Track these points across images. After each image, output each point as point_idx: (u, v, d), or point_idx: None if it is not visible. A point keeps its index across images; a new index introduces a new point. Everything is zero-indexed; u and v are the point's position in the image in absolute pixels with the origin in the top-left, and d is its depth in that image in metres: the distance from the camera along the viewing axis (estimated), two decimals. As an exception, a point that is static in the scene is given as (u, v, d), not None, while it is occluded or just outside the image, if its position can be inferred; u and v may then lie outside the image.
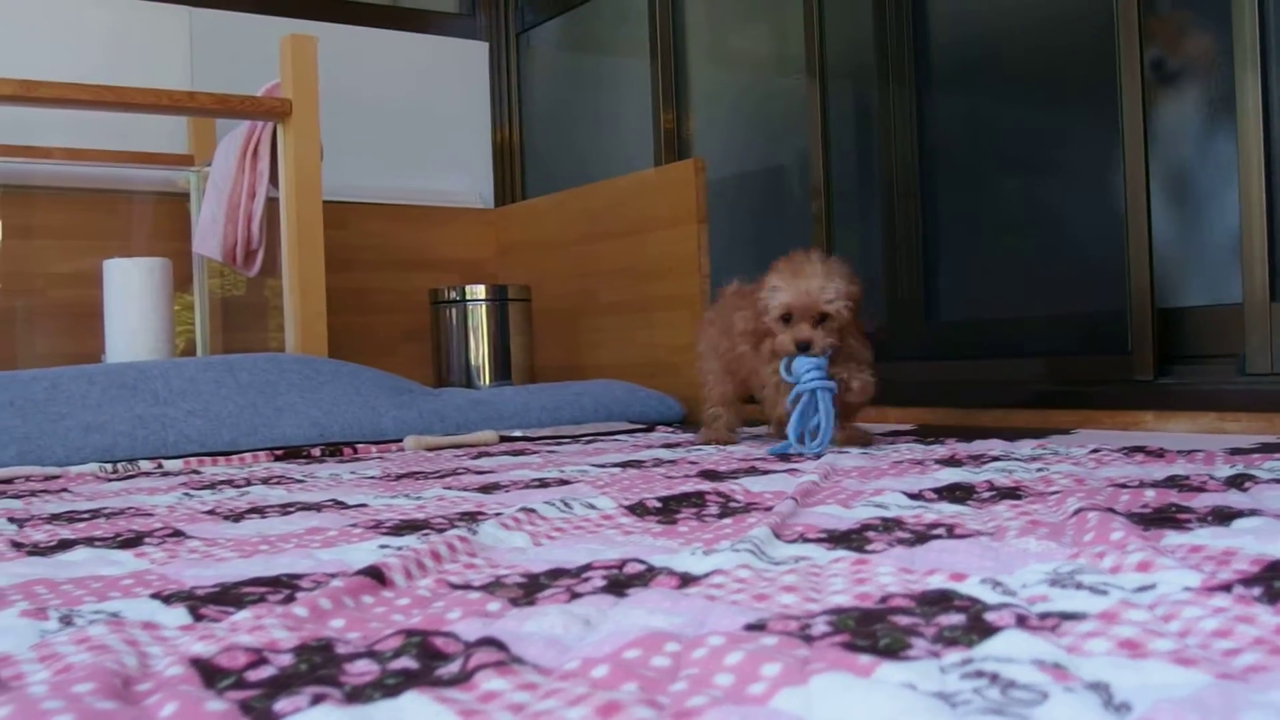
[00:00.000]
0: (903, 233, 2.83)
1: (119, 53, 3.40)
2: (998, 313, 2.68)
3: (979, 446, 1.87)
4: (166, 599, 0.89)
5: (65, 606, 0.88)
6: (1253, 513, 1.07)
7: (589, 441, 2.42)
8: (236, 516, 1.37)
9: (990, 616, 0.72)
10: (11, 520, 1.39)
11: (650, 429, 2.73)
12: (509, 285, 3.33)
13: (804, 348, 1.84)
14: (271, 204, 2.97)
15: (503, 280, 3.82)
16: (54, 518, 1.41)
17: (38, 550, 1.15)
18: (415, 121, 3.93)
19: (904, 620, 0.73)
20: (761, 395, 1.99)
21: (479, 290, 3.29)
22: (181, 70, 3.48)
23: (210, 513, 1.42)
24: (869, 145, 2.96)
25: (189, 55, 3.50)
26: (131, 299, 2.97)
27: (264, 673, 0.67)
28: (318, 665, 0.68)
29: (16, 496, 1.69)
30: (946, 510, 1.21)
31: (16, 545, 1.19)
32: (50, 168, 3.27)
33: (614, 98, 3.78)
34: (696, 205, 2.98)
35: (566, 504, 1.30)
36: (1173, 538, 0.98)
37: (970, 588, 0.81)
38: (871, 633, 0.70)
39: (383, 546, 1.11)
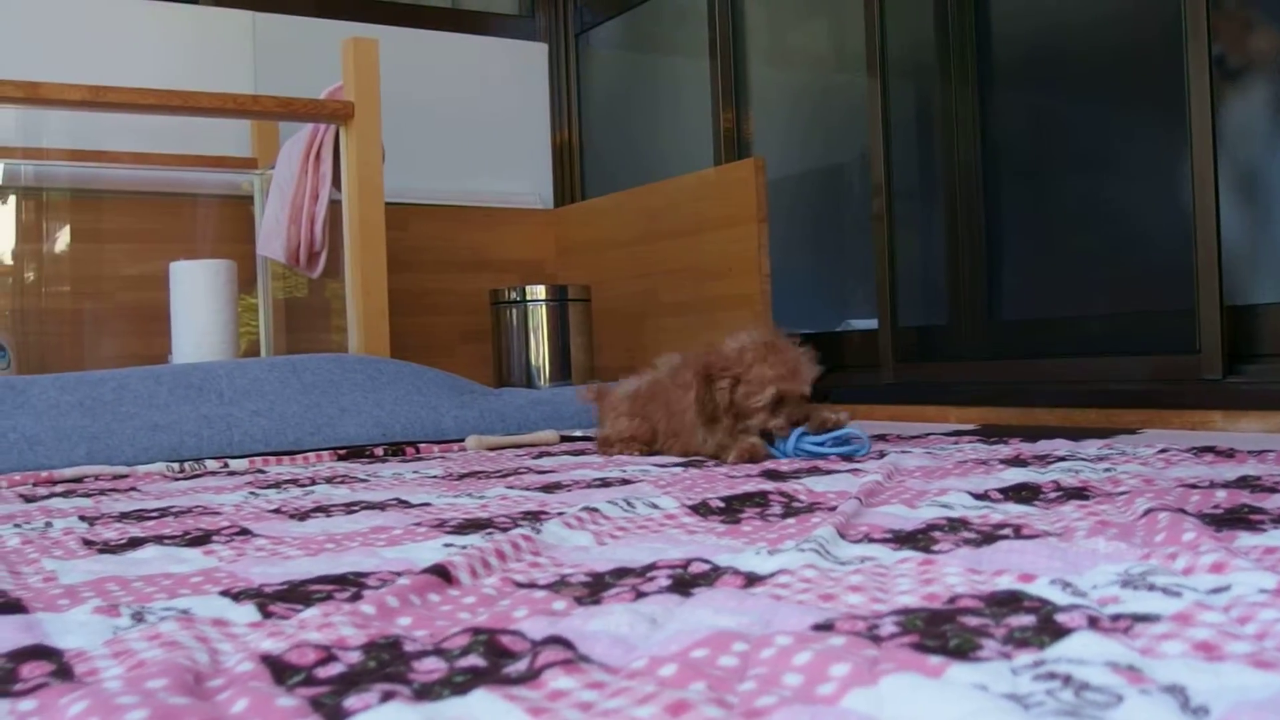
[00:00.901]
0: (965, 231, 2.80)
1: (184, 58, 3.45)
2: (1062, 311, 2.64)
3: (1044, 446, 1.85)
4: (235, 596, 0.90)
5: (137, 603, 0.89)
6: (1329, 514, 1.05)
7: (649, 441, 2.41)
8: (302, 515, 1.39)
9: (1061, 618, 0.71)
10: (83, 518, 1.42)
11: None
12: (569, 285, 3.34)
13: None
14: (334, 206, 3.01)
15: (563, 280, 3.83)
16: (123, 516, 1.43)
17: (108, 548, 1.17)
18: (475, 123, 3.95)
19: (973, 621, 0.72)
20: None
21: (539, 291, 3.30)
22: (245, 74, 3.52)
23: (276, 511, 1.43)
24: (930, 143, 2.94)
25: (253, 59, 3.55)
26: (197, 300, 3.01)
27: (333, 669, 0.67)
28: (386, 663, 0.68)
29: (86, 495, 1.72)
30: (1013, 510, 1.20)
31: (88, 543, 1.21)
32: (118, 172, 3.32)
33: (673, 97, 3.78)
34: (757, 204, 2.97)
35: (629, 503, 1.30)
36: (1246, 539, 0.96)
37: (1039, 589, 0.80)
38: (941, 633, 0.69)
39: (447, 545, 1.11)
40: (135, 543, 1.19)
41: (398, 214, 3.48)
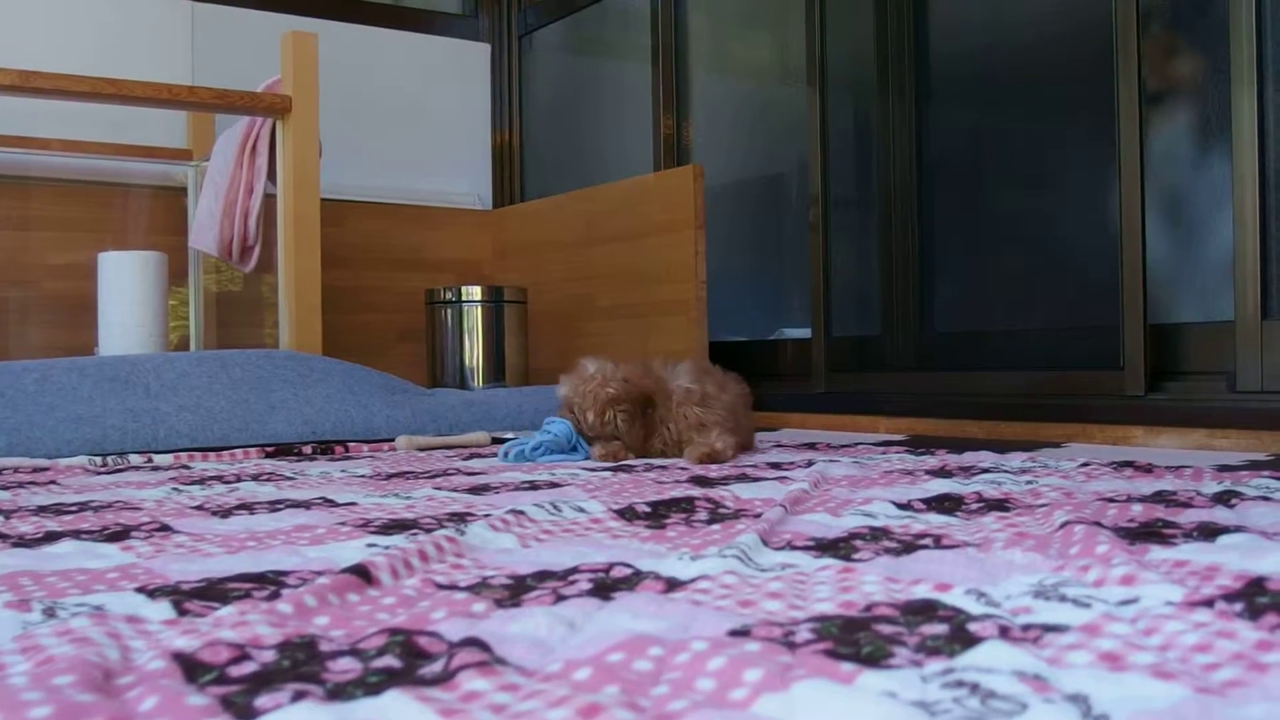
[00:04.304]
0: (899, 243, 2.84)
1: (120, 45, 3.40)
2: (992, 325, 2.68)
3: (970, 458, 1.87)
4: (151, 593, 0.89)
5: (49, 599, 0.88)
6: (1238, 529, 1.07)
7: (581, 445, 2.41)
8: (225, 512, 1.37)
9: (973, 627, 0.73)
10: (-1, 511, 1.39)
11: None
12: (505, 287, 3.34)
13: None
14: (269, 200, 2.98)
15: (499, 282, 3.82)
16: (41, 510, 1.41)
17: (23, 542, 1.15)
18: (415, 121, 3.93)
19: (887, 629, 0.73)
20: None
21: (475, 291, 3.29)
22: (182, 64, 3.48)
23: (199, 508, 1.41)
24: (868, 156, 2.97)
25: (190, 49, 3.50)
26: (126, 292, 2.97)
27: (246, 668, 0.67)
28: (300, 662, 0.68)
29: (4, 488, 1.69)
30: (934, 521, 1.21)
31: (2, 536, 1.19)
32: (47, 159, 3.27)
33: (615, 102, 3.79)
34: (695, 211, 2.98)
35: (556, 507, 1.30)
36: (1158, 552, 0.98)
37: (954, 598, 0.81)
38: (854, 641, 0.70)
39: (370, 545, 1.11)
40: (51, 537, 1.18)
41: (334, 210, 3.45)
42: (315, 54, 2.87)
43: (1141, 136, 2.24)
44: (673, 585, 0.88)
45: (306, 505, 1.43)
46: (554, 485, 1.61)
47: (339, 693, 0.62)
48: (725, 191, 3.33)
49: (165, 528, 1.24)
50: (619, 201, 3.26)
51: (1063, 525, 1.07)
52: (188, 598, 0.87)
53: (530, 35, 4.09)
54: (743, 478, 1.67)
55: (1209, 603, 0.76)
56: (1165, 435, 2.13)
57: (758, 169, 3.31)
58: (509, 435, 2.56)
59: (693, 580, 0.89)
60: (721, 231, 3.27)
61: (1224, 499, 1.30)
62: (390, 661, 0.68)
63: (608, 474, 1.76)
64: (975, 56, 2.76)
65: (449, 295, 3.30)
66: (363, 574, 0.90)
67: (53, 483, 1.76)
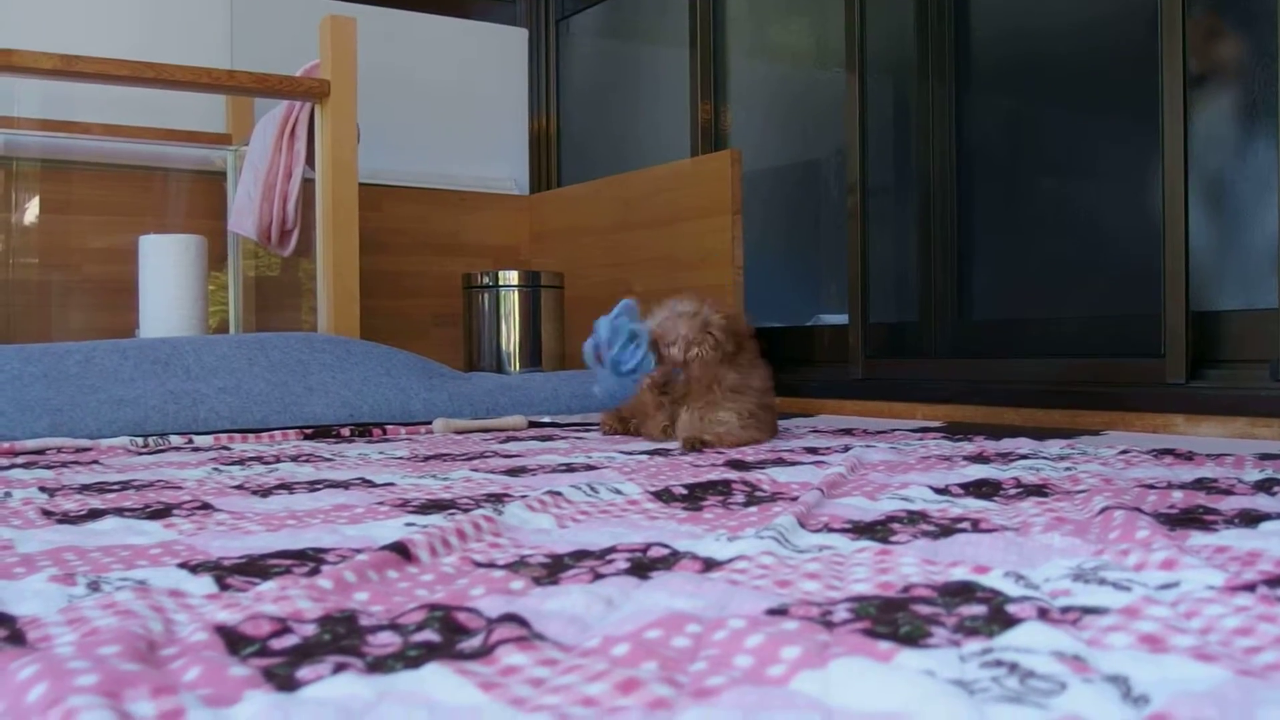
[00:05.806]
0: (938, 230, 2.82)
1: (159, 30, 3.43)
2: (1031, 312, 2.66)
3: (1007, 444, 1.86)
4: (193, 568, 0.90)
5: (93, 573, 0.89)
6: (1281, 516, 1.06)
7: (616, 429, 2.41)
8: (265, 492, 1.38)
9: (1012, 608, 0.72)
10: (42, 489, 1.41)
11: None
12: (542, 272, 3.34)
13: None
14: (307, 185, 2.99)
15: (536, 266, 3.82)
16: (84, 488, 1.42)
17: (68, 519, 1.17)
18: (453, 106, 3.94)
19: (925, 610, 0.73)
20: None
21: (512, 276, 3.30)
22: (221, 49, 3.50)
23: (239, 487, 1.43)
24: (906, 142, 2.95)
25: (229, 34, 3.53)
26: (166, 275, 2.99)
27: (287, 641, 0.67)
28: (341, 636, 0.69)
29: (48, 467, 1.71)
30: (972, 505, 1.21)
31: (47, 513, 1.21)
32: (89, 143, 3.30)
33: (652, 87, 3.78)
34: (731, 197, 2.98)
35: (593, 488, 1.30)
36: (1198, 538, 0.97)
37: (993, 580, 0.81)
38: (892, 620, 0.70)
39: (409, 524, 1.12)
40: (95, 514, 1.19)
41: (372, 194, 3.47)
42: (354, 38, 2.88)
43: (1185, 121, 2.21)
44: (710, 565, 0.88)
45: (345, 485, 1.44)
46: (590, 467, 1.62)
47: (379, 665, 0.63)
48: (762, 177, 3.32)
49: (206, 506, 1.25)
50: (656, 187, 3.26)
51: (1102, 510, 1.07)
52: (229, 573, 0.88)
53: (568, 20, 4.09)
54: (779, 462, 1.66)
55: (1250, 587, 0.76)
56: (1206, 423, 2.11)
57: (795, 154, 3.29)
58: (545, 419, 2.57)
59: (730, 560, 0.89)
60: (758, 217, 3.27)
61: (1266, 486, 1.29)
62: (430, 636, 0.68)
63: (644, 457, 1.76)
64: (1016, 41, 2.74)
65: (486, 280, 3.31)
66: (402, 551, 0.90)
67: (95, 462, 1.78)
